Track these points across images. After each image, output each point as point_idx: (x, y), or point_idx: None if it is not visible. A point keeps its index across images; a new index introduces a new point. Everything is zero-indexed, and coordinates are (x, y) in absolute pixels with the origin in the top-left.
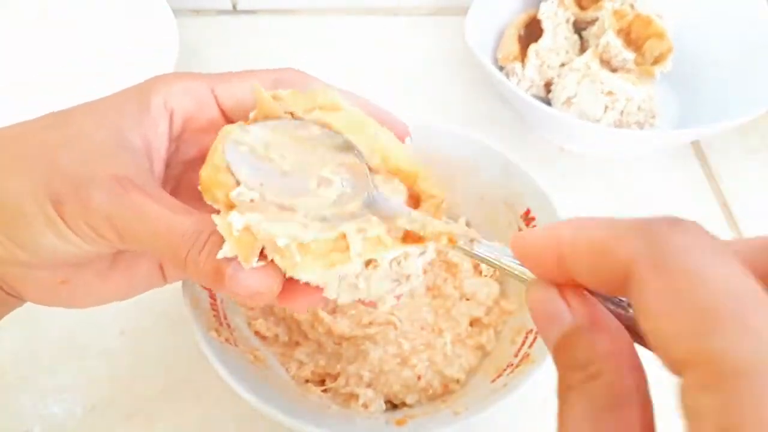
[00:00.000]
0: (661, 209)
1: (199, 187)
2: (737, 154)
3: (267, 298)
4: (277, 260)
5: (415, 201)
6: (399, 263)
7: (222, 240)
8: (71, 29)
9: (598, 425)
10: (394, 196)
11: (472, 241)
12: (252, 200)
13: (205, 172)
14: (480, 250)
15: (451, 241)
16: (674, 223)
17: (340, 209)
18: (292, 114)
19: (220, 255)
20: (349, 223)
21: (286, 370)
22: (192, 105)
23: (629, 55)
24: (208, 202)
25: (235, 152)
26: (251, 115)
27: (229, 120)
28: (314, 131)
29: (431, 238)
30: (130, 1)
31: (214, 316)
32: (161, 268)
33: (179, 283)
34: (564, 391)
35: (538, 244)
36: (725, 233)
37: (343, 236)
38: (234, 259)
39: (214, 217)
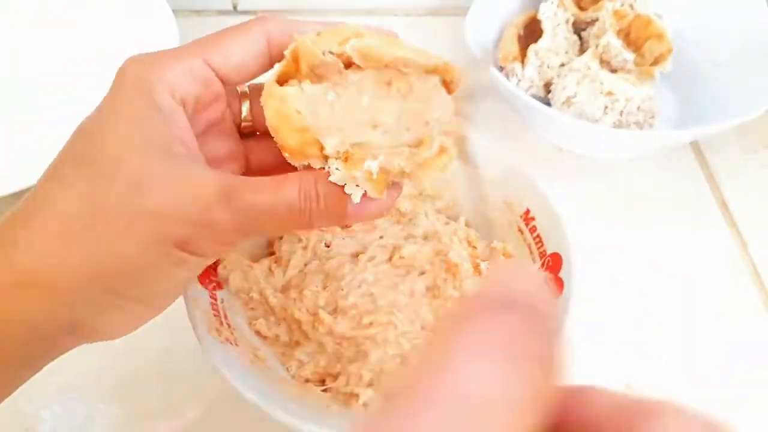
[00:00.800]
0: (660, 209)
1: (286, 155)
2: (736, 154)
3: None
4: (406, 181)
5: (447, 86)
6: None
7: (326, 182)
8: (71, 29)
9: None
10: (433, 90)
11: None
12: (349, 144)
13: (291, 139)
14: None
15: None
16: None
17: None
18: (332, 53)
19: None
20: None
21: (287, 369)
22: (197, 87)
23: (629, 56)
24: (296, 163)
25: (305, 108)
26: (278, 66)
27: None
28: (353, 78)
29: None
30: (130, 1)
31: (215, 315)
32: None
33: None
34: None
35: None
36: (724, 233)
37: (441, 148)
38: (346, 195)
39: (339, 173)
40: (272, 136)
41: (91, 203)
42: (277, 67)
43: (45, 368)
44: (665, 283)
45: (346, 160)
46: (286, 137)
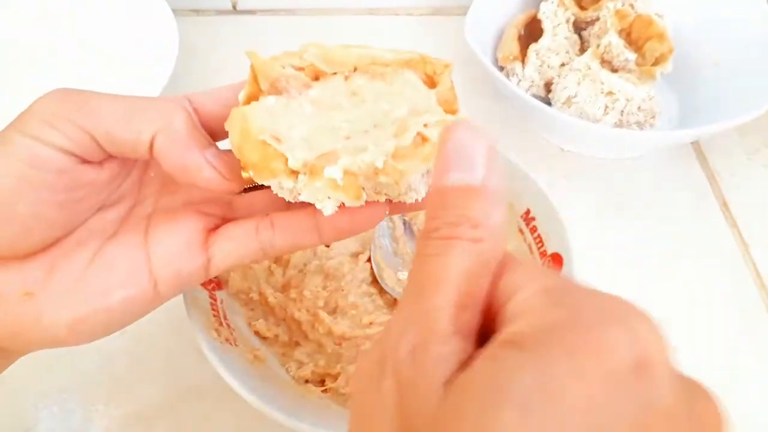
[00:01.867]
0: (661, 209)
1: (251, 174)
2: (737, 154)
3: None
4: (383, 179)
5: (430, 81)
6: None
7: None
8: (71, 29)
9: (477, 282)
10: (407, 86)
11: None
12: (316, 155)
13: (253, 155)
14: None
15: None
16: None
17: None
18: (294, 67)
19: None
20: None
21: (286, 370)
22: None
23: (631, 56)
24: (264, 182)
25: (268, 123)
26: (242, 95)
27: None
28: (317, 88)
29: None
30: (130, 1)
31: (214, 316)
32: (149, 268)
33: None
34: (444, 238)
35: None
36: (725, 233)
37: (423, 138)
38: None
39: (307, 191)
40: (238, 159)
41: None
42: (242, 94)
43: (43, 368)
44: (666, 283)
45: (312, 173)
46: (249, 154)
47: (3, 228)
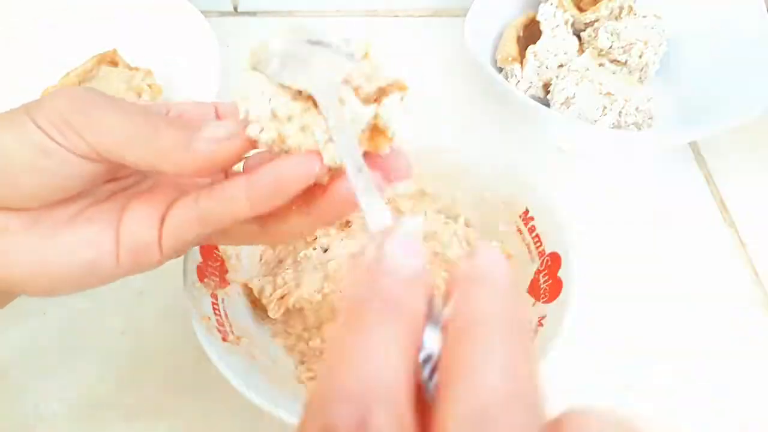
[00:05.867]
0: (659, 209)
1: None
2: (735, 154)
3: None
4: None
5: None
6: None
7: None
8: (71, 29)
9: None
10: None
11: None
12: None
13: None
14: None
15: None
16: None
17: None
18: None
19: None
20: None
21: (287, 368)
22: None
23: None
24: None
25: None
26: None
27: None
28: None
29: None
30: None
31: (215, 315)
32: (116, 235)
33: (180, 282)
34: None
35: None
36: (723, 233)
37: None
38: None
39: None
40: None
41: None
42: None
43: (45, 367)
44: (664, 283)
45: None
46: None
47: (4, 191)
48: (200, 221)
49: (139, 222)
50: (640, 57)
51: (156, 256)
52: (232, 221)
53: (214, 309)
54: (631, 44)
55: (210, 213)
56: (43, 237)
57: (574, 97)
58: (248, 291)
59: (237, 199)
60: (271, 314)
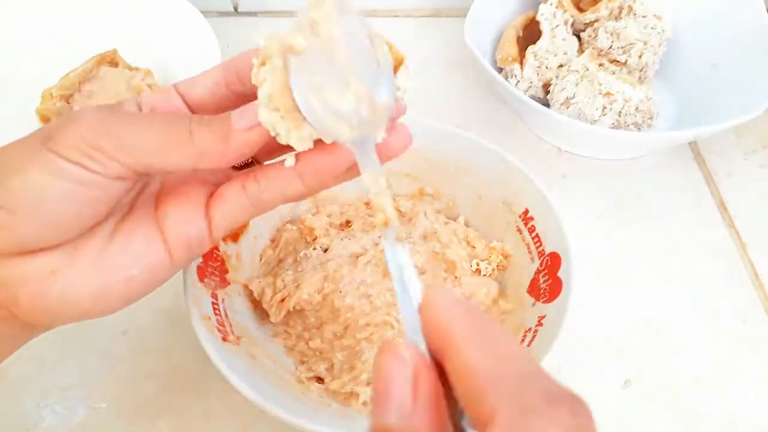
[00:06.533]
0: (659, 209)
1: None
2: (735, 154)
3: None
4: None
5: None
6: None
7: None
8: (71, 29)
9: None
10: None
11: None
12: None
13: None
14: (388, 253)
15: (385, 223)
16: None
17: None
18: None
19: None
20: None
21: (287, 368)
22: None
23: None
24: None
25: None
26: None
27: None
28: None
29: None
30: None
31: (215, 315)
32: (163, 238)
33: (180, 282)
34: None
35: (436, 325)
36: (722, 234)
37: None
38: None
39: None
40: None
41: None
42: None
43: (46, 368)
44: (664, 283)
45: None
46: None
47: (37, 228)
48: (254, 206)
49: (185, 220)
50: (640, 57)
51: (208, 245)
52: (285, 202)
53: (214, 309)
54: (631, 44)
55: (260, 198)
56: (93, 265)
57: (574, 97)
58: (249, 291)
59: (289, 179)
60: (272, 319)
